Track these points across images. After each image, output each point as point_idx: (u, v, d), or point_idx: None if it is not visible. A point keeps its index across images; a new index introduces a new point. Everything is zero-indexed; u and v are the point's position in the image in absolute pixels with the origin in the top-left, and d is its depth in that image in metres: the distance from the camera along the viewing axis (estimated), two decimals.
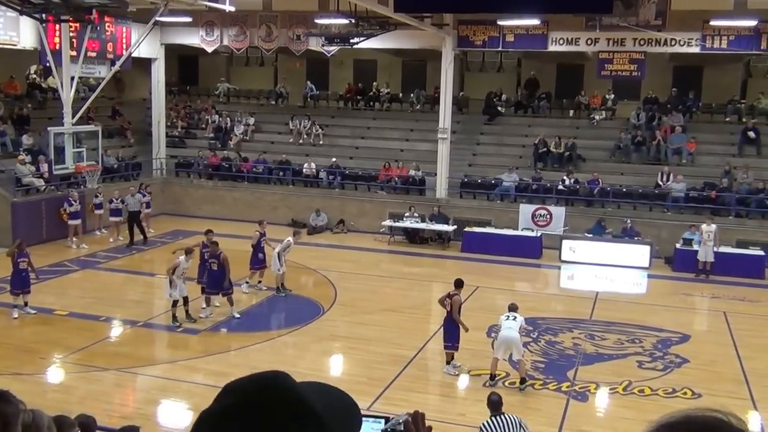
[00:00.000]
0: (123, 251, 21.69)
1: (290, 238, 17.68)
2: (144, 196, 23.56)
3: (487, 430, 8.14)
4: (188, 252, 15.49)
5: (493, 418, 8.29)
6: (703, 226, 20.21)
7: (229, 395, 1.29)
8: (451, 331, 13.06)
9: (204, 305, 15.81)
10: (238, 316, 15.70)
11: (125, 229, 23.13)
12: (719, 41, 22.14)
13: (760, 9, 21.69)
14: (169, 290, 15.23)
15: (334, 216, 25.37)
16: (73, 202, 21.92)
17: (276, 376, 1.31)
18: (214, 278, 15.56)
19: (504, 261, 21.39)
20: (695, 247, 20.40)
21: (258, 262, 17.78)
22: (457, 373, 13.03)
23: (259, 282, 17.95)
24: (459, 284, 13.36)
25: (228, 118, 29.93)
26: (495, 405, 8.51)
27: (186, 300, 15.32)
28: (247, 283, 17.71)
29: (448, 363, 13.17)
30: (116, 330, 15.30)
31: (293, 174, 26.83)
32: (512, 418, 8.31)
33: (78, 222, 21.99)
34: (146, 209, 23.55)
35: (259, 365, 13.05)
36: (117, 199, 22.72)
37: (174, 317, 15.19)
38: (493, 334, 13.35)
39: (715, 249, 20.18)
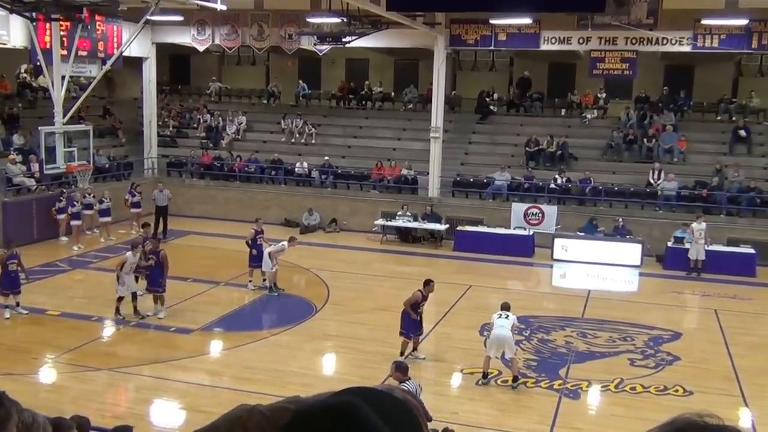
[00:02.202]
0: (115, 251, 21.62)
1: (285, 243, 17.45)
2: (134, 195, 23.55)
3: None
4: (134, 246, 15.78)
5: (406, 383, 9.08)
6: (694, 225, 20.29)
7: (300, 427, 1.22)
8: (405, 319, 13.26)
9: (154, 303, 15.81)
10: (162, 316, 15.50)
11: (115, 229, 23.11)
12: (710, 40, 22.21)
13: (752, 8, 21.78)
14: (117, 286, 15.35)
15: (326, 215, 25.36)
16: (75, 203, 22.09)
17: (350, 406, 1.22)
18: (153, 275, 15.65)
19: (496, 260, 21.42)
20: (686, 245, 20.48)
21: (253, 259, 17.79)
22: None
23: (250, 281, 17.93)
24: (425, 283, 13.61)
25: (220, 118, 29.87)
26: (405, 370, 9.39)
27: (135, 296, 15.50)
28: (250, 281, 17.82)
29: (401, 354, 13.15)
30: (108, 330, 15.25)
31: (285, 173, 26.79)
32: (416, 385, 9.28)
33: (79, 222, 22.06)
34: (136, 209, 23.54)
35: (252, 365, 13.09)
36: (107, 199, 22.71)
37: (117, 310, 15.36)
38: (485, 333, 13.36)
39: (706, 247, 20.27)
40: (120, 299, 15.39)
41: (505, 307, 12.81)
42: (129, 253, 15.51)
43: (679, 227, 21.15)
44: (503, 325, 12.40)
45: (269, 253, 17.28)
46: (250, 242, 17.86)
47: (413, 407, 1.37)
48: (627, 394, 12.24)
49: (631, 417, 11.41)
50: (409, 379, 9.30)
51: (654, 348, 14.50)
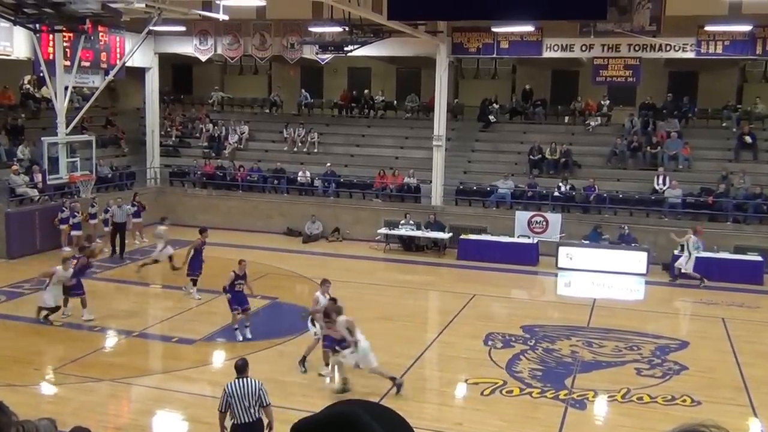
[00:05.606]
0: (117, 261, 21.60)
1: (318, 294, 13.82)
2: (135, 206, 23.49)
3: (230, 389, 8.97)
4: (64, 261, 16.10)
5: (236, 380, 9.08)
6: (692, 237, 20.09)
7: None
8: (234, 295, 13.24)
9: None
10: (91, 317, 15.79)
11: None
12: (714, 46, 22.11)
13: (755, 14, 21.70)
14: (44, 297, 15.58)
15: (329, 224, 25.28)
16: (76, 213, 22.19)
17: (350, 414, 1.25)
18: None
19: (500, 268, 21.30)
20: (695, 252, 20.23)
21: (230, 302, 14.94)
22: (326, 374, 12.80)
23: (236, 329, 15.21)
24: (322, 283, 13.71)
25: (222, 127, 29.88)
26: (240, 369, 9.23)
27: (56, 308, 15.64)
28: (237, 329, 15.20)
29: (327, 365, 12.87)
30: (110, 340, 15.18)
31: (288, 182, 26.74)
32: (254, 383, 9.12)
33: (80, 233, 22.11)
34: (137, 219, 23.50)
35: (254, 375, 12.91)
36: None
37: (46, 317, 15.56)
38: (351, 350, 12.31)
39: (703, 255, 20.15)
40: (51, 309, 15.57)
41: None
42: (59, 267, 15.65)
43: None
44: (363, 337, 12.22)
45: (312, 318, 13.73)
46: (227, 287, 14.91)
47: None
48: (634, 404, 12.10)
49: (639, 428, 11.28)
50: (246, 376, 9.19)
51: (661, 357, 14.35)
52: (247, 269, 15.13)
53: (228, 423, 9.09)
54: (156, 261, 19.85)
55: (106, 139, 28.63)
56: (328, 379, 12.74)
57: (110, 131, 29.53)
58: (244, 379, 9.10)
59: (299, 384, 12.54)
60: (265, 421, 9.16)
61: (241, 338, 14.89)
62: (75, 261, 16.20)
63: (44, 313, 15.59)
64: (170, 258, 19.67)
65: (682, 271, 20.01)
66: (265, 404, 9.06)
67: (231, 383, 9.07)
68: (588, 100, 27.59)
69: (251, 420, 8.98)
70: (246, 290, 15.11)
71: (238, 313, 14.97)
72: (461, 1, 4.49)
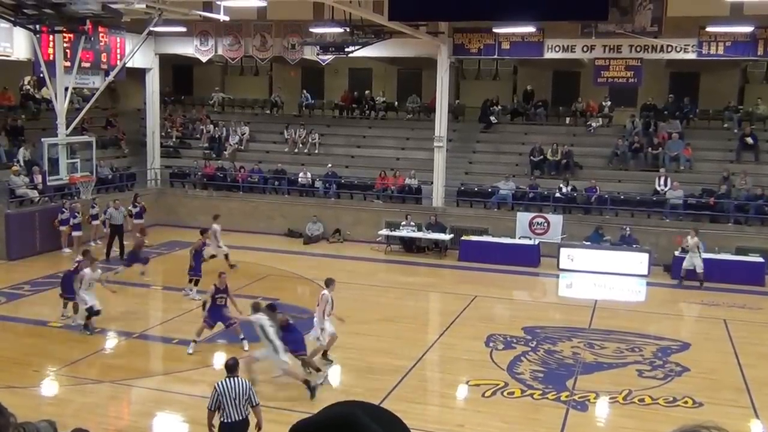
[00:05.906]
0: (117, 262, 21.54)
1: (325, 292, 13.59)
2: (136, 207, 23.46)
3: (221, 388, 9.10)
4: (91, 262, 15.60)
5: (227, 379, 9.19)
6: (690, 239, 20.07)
7: None
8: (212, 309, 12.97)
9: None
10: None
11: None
12: (716, 47, 22.08)
13: (757, 15, 21.68)
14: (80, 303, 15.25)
15: (330, 225, 25.24)
16: (76, 214, 22.25)
17: (349, 415, 1.26)
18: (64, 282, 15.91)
19: (502, 270, 21.26)
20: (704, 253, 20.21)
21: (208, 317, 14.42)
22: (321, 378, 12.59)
23: (194, 341, 14.30)
24: (328, 283, 13.54)
25: (223, 128, 29.85)
26: (230, 368, 9.35)
27: (91, 311, 15.17)
28: (195, 342, 14.22)
29: (318, 371, 12.68)
30: (111, 342, 15.13)
31: (289, 183, 26.71)
32: (245, 382, 9.33)
33: (80, 234, 22.22)
34: (139, 220, 23.47)
35: (255, 377, 12.92)
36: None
37: (85, 326, 15.10)
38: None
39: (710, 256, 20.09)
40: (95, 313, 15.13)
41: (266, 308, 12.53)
42: (87, 270, 15.26)
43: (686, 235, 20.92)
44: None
45: (323, 313, 13.47)
46: (209, 301, 14.46)
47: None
48: (636, 405, 12.06)
49: (640, 429, 11.25)
50: (236, 376, 9.31)
51: (662, 359, 14.31)
52: (228, 282, 14.71)
53: (216, 421, 9.17)
54: (213, 256, 20.02)
55: (107, 140, 28.59)
56: (323, 378, 12.70)
57: (110, 132, 29.50)
58: (235, 378, 9.22)
59: (301, 385, 12.48)
60: (253, 421, 9.28)
61: (191, 351, 13.97)
62: (77, 264, 16.02)
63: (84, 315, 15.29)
64: (226, 256, 20.19)
65: (697, 271, 19.92)
66: (254, 404, 9.19)
67: (222, 382, 9.17)
68: (589, 101, 27.60)
69: (241, 418, 9.13)
70: (230, 304, 14.38)
71: (206, 327, 14.30)
72: (462, 2, 4.45)
